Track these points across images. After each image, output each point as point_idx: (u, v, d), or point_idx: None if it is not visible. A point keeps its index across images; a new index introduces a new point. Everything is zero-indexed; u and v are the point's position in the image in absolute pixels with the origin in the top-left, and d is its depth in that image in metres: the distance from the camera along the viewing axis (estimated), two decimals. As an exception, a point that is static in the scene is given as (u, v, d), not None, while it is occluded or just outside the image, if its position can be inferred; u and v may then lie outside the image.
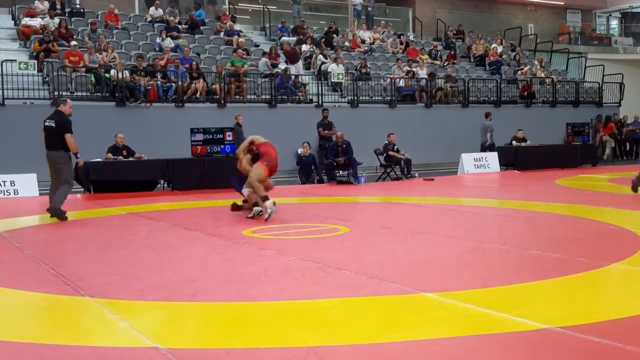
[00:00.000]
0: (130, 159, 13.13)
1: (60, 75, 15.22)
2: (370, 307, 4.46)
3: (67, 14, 18.99)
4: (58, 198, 9.25)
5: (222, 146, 13.70)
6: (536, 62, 24.28)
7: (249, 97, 17.44)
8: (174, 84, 16.41)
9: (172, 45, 18.17)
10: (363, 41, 22.93)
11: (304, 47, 20.55)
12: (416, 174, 15.67)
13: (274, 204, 8.72)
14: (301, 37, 21.15)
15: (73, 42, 16.48)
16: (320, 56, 19.92)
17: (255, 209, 8.88)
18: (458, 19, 27.17)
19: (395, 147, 15.51)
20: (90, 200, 11.94)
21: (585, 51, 27.87)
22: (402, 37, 24.02)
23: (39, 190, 12.47)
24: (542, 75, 23.33)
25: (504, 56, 24.24)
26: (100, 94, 15.81)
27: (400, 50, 22.91)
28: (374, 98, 19.44)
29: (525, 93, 21.83)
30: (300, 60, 19.72)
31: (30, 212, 10.35)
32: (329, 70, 19.17)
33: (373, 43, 23.12)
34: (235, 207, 9.65)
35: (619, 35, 31.53)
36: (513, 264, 5.86)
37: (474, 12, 28.94)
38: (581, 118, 20.38)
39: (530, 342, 3.67)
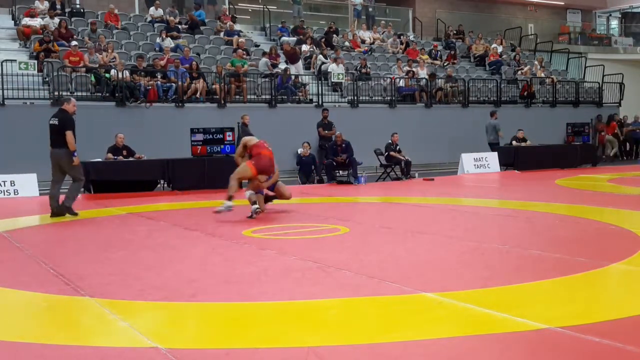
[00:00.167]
0: (130, 159, 13.13)
1: (60, 75, 15.21)
2: (370, 307, 4.46)
3: (67, 14, 18.97)
4: (70, 194, 9.52)
5: (222, 146, 13.70)
6: (536, 62, 24.26)
7: (249, 97, 17.43)
8: (174, 84, 16.41)
9: (172, 45, 18.16)
10: (363, 41, 22.91)
11: (304, 47, 20.53)
12: (416, 174, 15.67)
13: (258, 209, 8.91)
14: (301, 37, 21.14)
15: (73, 42, 16.46)
16: (320, 56, 19.92)
17: (253, 207, 8.92)
18: (458, 19, 27.15)
19: (398, 147, 15.52)
20: (90, 200, 11.94)
21: (585, 51, 27.85)
22: (402, 37, 24.00)
23: (39, 190, 12.48)
24: (542, 75, 23.32)
25: (504, 56, 24.22)
26: (100, 94, 15.80)
27: (400, 50, 22.90)
28: (374, 98, 19.43)
29: (525, 93, 21.81)
30: (300, 60, 19.70)
31: (30, 212, 10.36)
32: (329, 70, 19.16)
33: (373, 43, 23.11)
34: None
35: (619, 35, 31.52)
36: (513, 264, 5.86)
37: (474, 12, 28.93)
38: (581, 118, 20.37)
39: (530, 342, 3.67)
